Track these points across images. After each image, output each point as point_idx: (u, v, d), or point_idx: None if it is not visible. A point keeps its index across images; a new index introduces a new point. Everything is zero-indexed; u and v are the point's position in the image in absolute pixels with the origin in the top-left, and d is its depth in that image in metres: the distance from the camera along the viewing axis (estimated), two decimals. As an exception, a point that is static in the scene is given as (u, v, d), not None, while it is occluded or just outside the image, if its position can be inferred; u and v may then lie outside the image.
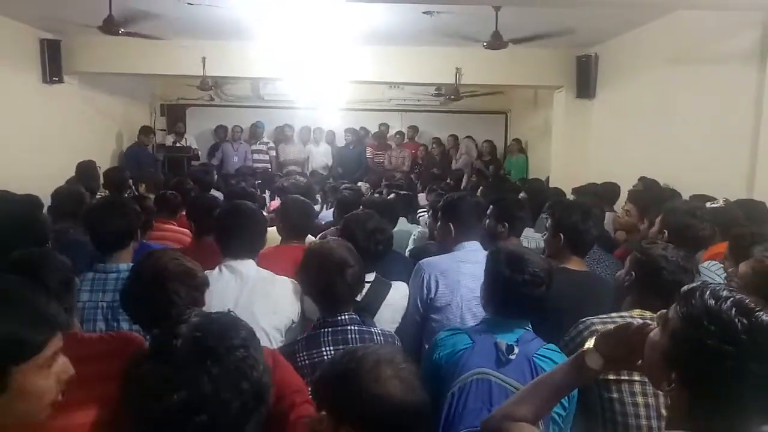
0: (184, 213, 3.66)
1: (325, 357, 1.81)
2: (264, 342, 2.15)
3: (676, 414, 1.12)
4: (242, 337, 1.08)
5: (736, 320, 1.00)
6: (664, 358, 1.10)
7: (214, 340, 1.04)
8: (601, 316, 1.96)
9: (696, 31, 5.17)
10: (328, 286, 1.98)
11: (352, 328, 1.93)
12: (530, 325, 1.98)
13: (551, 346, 1.90)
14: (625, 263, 2.13)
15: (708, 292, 1.06)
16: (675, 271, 1.91)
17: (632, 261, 2.05)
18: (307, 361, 1.82)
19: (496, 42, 5.74)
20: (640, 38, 6.17)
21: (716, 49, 4.88)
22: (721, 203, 3.56)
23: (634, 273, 2.01)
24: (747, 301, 1.04)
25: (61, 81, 6.99)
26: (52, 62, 6.86)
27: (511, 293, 1.88)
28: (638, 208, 3.77)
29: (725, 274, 2.89)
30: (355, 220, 2.69)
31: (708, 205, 3.62)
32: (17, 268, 1.63)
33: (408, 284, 2.63)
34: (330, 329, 1.91)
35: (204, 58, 7.22)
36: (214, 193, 5.94)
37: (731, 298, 1.04)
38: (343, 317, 1.94)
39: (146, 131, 8.62)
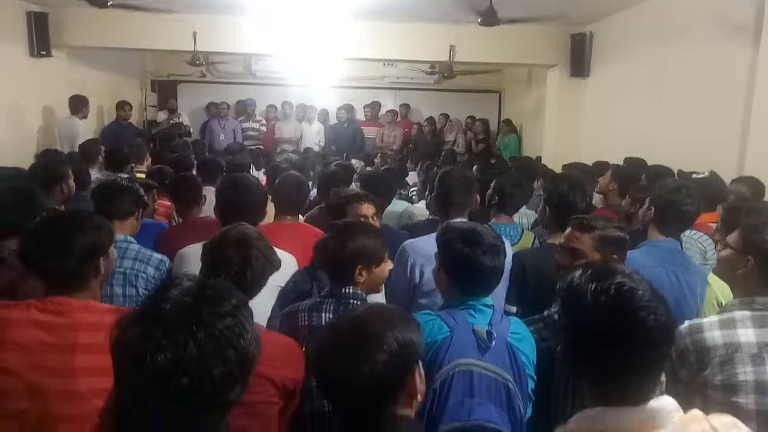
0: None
1: (323, 322, 1.93)
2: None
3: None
4: (232, 304, 1.08)
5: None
6: None
7: (202, 306, 1.05)
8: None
9: (690, 9, 5.13)
10: (337, 260, 2.02)
11: (355, 302, 1.98)
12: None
13: (514, 319, 1.93)
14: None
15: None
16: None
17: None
18: (306, 322, 1.96)
19: (490, 18, 5.68)
20: (635, 16, 6.11)
21: (710, 27, 4.84)
22: (706, 174, 3.59)
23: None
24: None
25: (49, 55, 6.87)
26: (40, 35, 6.74)
27: (475, 268, 1.84)
28: (618, 185, 3.83)
29: (709, 242, 2.94)
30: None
31: (693, 176, 3.65)
32: None
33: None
34: (334, 300, 2.00)
35: (195, 33, 7.10)
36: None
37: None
38: (348, 291, 2.00)
39: (122, 106, 8.04)
